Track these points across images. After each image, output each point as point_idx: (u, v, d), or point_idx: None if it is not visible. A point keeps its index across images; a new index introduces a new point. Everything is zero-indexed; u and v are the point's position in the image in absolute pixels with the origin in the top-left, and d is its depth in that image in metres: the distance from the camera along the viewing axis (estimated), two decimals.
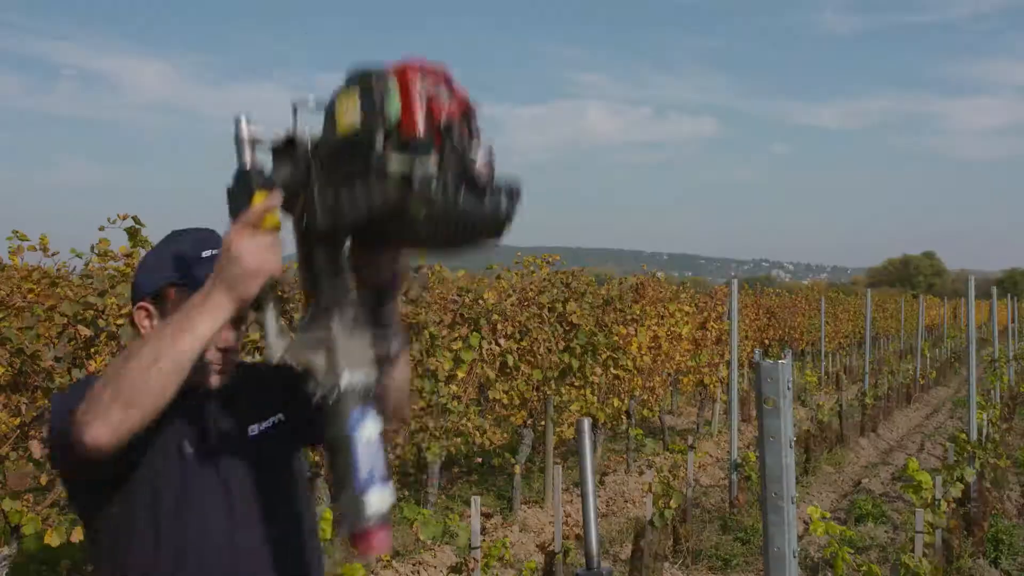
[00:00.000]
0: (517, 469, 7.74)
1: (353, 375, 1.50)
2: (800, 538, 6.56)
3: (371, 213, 1.38)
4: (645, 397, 9.94)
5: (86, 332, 4.23)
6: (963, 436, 7.24)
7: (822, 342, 19.25)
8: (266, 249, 1.47)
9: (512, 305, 7.67)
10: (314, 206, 1.45)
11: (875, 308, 22.18)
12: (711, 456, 10.45)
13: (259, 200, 1.47)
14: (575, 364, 8.15)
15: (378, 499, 1.49)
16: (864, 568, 4.10)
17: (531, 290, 8.21)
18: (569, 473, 8.61)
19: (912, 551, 4.71)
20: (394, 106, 1.35)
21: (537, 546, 6.48)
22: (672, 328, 10.18)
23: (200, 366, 1.68)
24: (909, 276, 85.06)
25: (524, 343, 7.76)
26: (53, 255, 5.03)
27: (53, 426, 1.64)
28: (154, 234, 4.71)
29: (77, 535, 4.16)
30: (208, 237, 1.75)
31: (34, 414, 4.14)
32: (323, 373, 1.50)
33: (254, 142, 1.52)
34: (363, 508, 1.47)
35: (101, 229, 4.55)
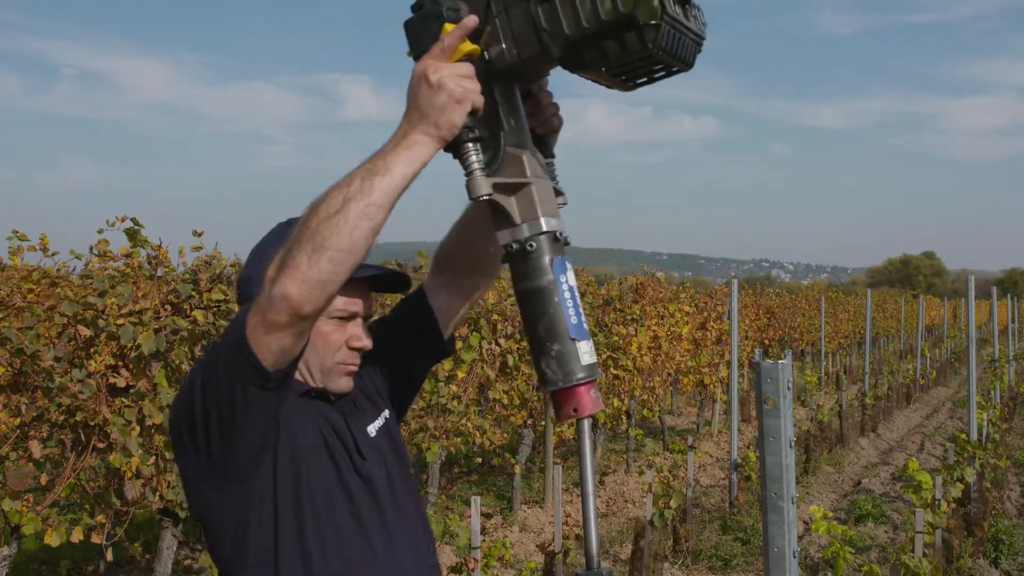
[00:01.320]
0: (517, 469, 7.74)
1: (549, 222, 1.39)
2: (800, 538, 6.56)
3: (584, 30, 1.28)
4: (645, 397, 9.94)
5: (86, 332, 4.22)
6: (963, 436, 7.24)
7: (822, 342, 19.25)
8: (467, 77, 1.32)
9: (512, 305, 7.67)
10: (506, 32, 1.36)
11: (875, 308, 22.18)
12: (711, 456, 10.45)
13: (449, 29, 1.34)
14: None
15: (589, 349, 1.37)
16: (864, 568, 4.09)
17: None
18: (569, 473, 8.61)
19: (912, 551, 4.70)
20: None
21: (537, 546, 6.48)
22: (672, 328, 10.18)
23: (331, 368, 1.60)
24: (909, 276, 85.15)
25: (524, 343, 7.76)
26: (53, 255, 5.03)
27: (225, 335, 1.41)
28: (153, 235, 4.70)
29: (77, 535, 4.15)
30: None
31: (34, 414, 4.14)
32: (520, 219, 1.39)
33: None
34: (578, 357, 1.35)
35: (100, 232, 4.52)
